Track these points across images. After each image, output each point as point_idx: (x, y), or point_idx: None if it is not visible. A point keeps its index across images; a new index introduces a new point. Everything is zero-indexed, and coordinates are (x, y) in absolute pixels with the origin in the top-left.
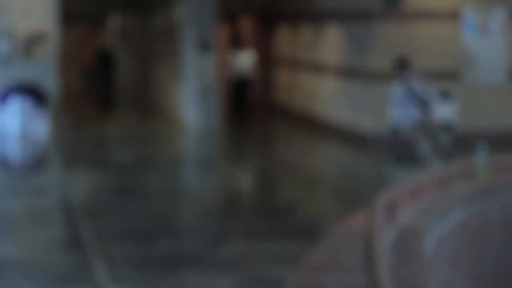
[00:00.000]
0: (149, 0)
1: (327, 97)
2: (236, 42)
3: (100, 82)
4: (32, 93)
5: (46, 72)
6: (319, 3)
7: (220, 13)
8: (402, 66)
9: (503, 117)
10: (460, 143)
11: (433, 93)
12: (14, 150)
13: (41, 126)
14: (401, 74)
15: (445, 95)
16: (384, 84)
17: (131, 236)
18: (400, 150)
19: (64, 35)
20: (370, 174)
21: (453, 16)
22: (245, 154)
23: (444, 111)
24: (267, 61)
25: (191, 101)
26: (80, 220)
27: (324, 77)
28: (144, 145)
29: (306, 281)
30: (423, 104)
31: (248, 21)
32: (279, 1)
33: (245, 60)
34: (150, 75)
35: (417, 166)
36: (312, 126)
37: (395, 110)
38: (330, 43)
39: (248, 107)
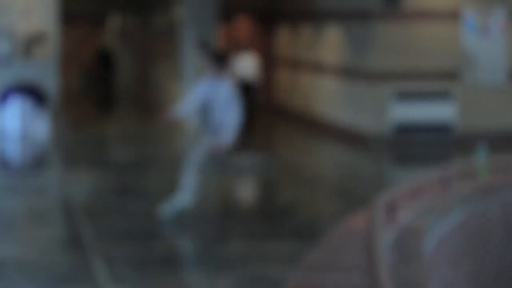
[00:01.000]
0: (149, 0)
1: (327, 97)
2: (234, 44)
3: (100, 82)
4: (32, 93)
5: (46, 72)
6: (319, 3)
7: (219, 14)
8: (220, 62)
9: (503, 117)
10: (460, 143)
11: (237, 100)
12: (14, 150)
13: (41, 126)
14: (218, 71)
15: (444, 95)
16: (384, 84)
17: (131, 236)
18: (400, 150)
19: (64, 35)
20: (370, 174)
21: (453, 16)
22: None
23: (443, 111)
24: (267, 61)
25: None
26: (80, 220)
27: (324, 77)
28: (144, 145)
29: (306, 281)
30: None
31: (248, 22)
32: (279, 1)
33: (247, 63)
34: (150, 75)
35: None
36: (312, 126)
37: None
38: (330, 43)
39: (252, 113)
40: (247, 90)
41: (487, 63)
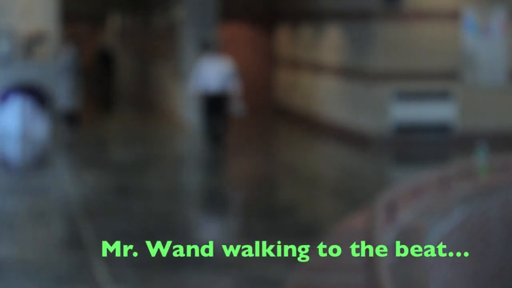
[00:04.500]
0: (149, 0)
1: (327, 97)
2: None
3: (100, 82)
4: (32, 93)
5: (46, 72)
6: (319, 3)
7: (219, 14)
8: None
9: (503, 117)
10: (460, 143)
11: None
12: (14, 150)
13: (41, 126)
14: None
15: (444, 95)
16: (384, 84)
17: (131, 236)
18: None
19: (64, 35)
20: (370, 174)
21: (453, 16)
22: (245, 154)
23: (443, 111)
24: (268, 61)
25: (190, 101)
26: (80, 220)
27: (325, 77)
28: (144, 145)
29: (306, 281)
30: None
31: (248, 22)
32: (279, 1)
33: (217, 70)
34: (150, 75)
35: None
36: (312, 126)
37: None
38: (330, 43)
39: (225, 140)
40: (213, 103)
41: (487, 63)
